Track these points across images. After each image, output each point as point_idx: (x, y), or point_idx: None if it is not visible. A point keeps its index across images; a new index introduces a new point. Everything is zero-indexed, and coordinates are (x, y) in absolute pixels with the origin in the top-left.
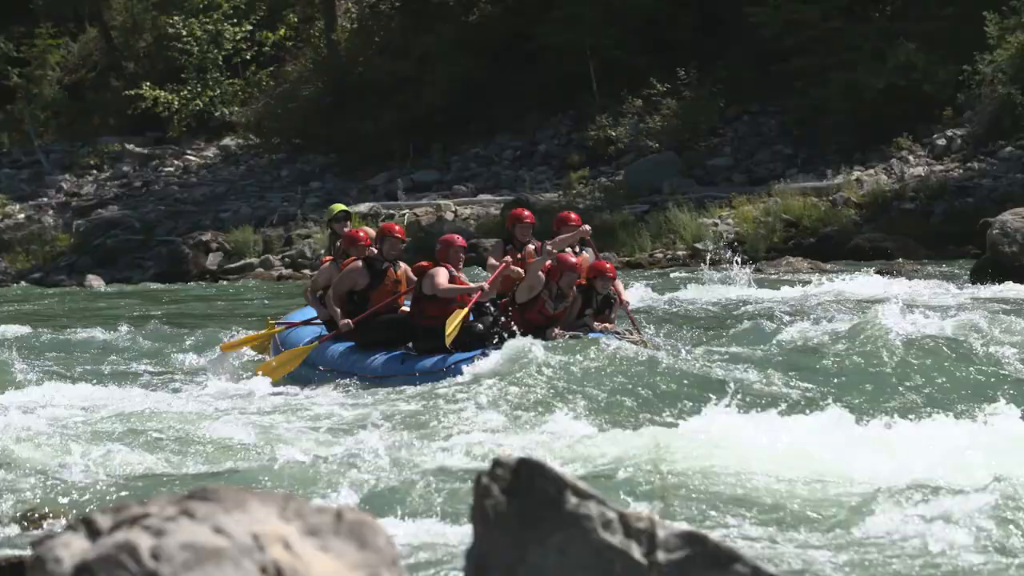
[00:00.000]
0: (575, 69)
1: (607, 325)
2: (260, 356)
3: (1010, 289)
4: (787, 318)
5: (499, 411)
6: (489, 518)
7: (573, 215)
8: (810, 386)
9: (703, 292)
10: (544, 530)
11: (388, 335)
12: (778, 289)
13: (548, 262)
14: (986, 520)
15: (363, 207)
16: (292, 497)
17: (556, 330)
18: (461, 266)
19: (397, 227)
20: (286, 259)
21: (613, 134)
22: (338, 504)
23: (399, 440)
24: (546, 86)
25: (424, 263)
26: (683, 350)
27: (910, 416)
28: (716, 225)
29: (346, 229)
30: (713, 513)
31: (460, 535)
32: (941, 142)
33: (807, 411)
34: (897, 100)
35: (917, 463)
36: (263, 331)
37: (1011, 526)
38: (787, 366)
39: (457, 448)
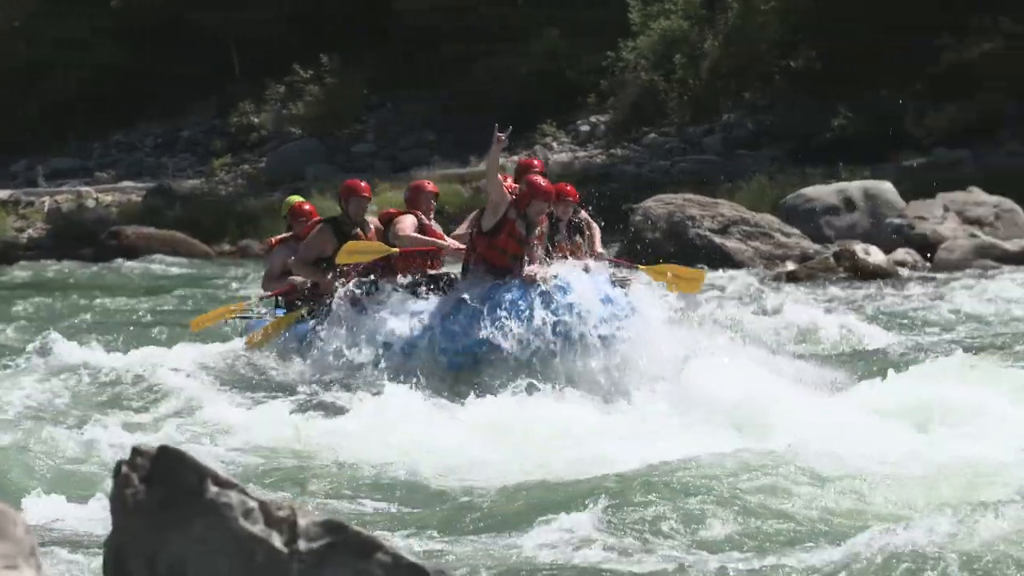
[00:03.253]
0: (219, 54)
1: (597, 253)
2: None
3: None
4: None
5: (163, 397)
6: (129, 507)
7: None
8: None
9: None
10: (185, 519)
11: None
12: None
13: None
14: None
15: (3, 194)
16: None
17: (536, 269)
18: (432, 215)
19: (363, 184)
20: None
21: (256, 120)
22: None
23: (42, 424)
24: (190, 72)
25: (392, 210)
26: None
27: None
28: None
29: None
30: (359, 501)
31: (102, 524)
32: (585, 128)
33: (472, 395)
34: (541, 86)
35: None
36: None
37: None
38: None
39: (105, 435)
